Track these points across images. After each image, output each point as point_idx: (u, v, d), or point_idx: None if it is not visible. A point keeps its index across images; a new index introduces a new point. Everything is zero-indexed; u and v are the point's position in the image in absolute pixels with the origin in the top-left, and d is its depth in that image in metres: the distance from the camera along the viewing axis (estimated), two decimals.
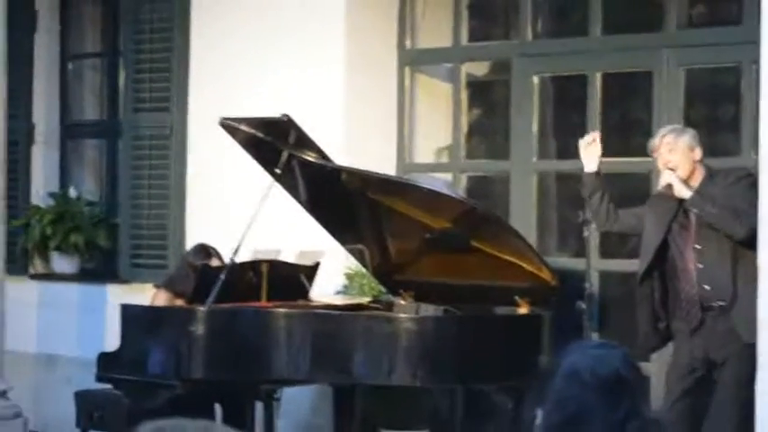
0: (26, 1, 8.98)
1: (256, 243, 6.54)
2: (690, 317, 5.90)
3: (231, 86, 7.96)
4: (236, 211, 6.93)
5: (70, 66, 9.30)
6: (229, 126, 6.60)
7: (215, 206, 7.98)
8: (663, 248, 6.03)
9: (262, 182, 6.52)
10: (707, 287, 5.87)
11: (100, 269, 8.84)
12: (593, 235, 6.57)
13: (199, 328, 6.17)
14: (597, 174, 6.27)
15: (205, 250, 6.86)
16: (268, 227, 6.60)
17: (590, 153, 6.27)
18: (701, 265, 5.88)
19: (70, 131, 9.24)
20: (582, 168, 6.30)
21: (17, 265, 8.60)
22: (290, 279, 6.82)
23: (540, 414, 2.62)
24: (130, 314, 6.48)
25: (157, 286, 7.43)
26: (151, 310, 6.68)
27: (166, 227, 8.32)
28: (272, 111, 6.57)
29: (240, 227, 6.30)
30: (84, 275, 8.81)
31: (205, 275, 6.44)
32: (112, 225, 8.77)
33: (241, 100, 7.73)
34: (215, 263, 6.76)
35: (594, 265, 6.84)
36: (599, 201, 6.21)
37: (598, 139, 6.29)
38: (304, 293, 6.89)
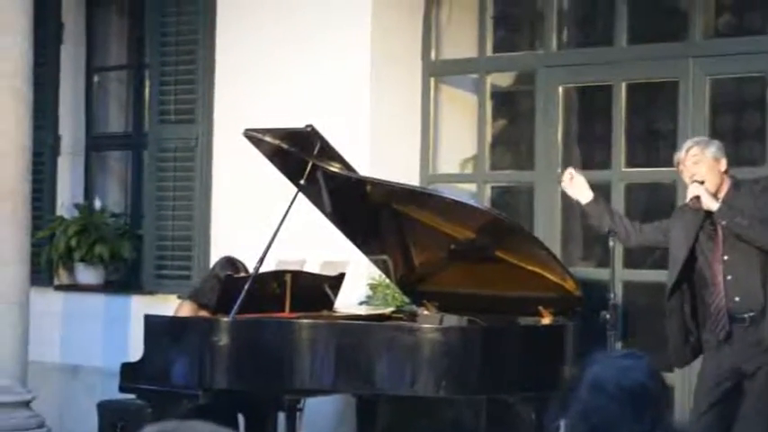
0: (52, 13, 9.02)
1: (281, 253, 6.54)
2: (719, 329, 5.85)
3: (256, 98, 7.97)
4: (260, 222, 6.93)
5: (96, 78, 9.34)
6: (254, 137, 6.61)
7: (240, 217, 7.98)
8: (690, 260, 5.98)
9: (286, 193, 6.52)
10: (737, 298, 5.81)
11: (124, 280, 8.85)
12: (617, 245, 6.54)
13: (222, 339, 6.16)
14: (596, 201, 6.23)
15: (232, 263, 6.86)
16: (293, 237, 6.60)
17: (576, 187, 6.24)
18: (729, 277, 5.82)
19: (96, 143, 9.27)
20: (579, 202, 6.25)
21: (42, 276, 8.63)
22: (314, 290, 6.81)
23: (563, 425, 2.60)
24: (154, 324, 6.49)
25: (181, 297, 7.44)
26: (175, 321, 6.68)
27: (191, 238, 8.33)
28: (296, 122, 6.58)
29: (265, 237, 6.30)
30: (108, 286, 8.82)
31: (229, 286, 6.44)
32: (137, 236, 8.78)
33: (266, 111, 7.74)
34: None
35: (619, 276, 6.81)
36: (611, 222, 6.16)
37: (575, 172, 6.25)
38: (328, 304, 6.88)
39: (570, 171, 6.29)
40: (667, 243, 6.09)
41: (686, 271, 5.97)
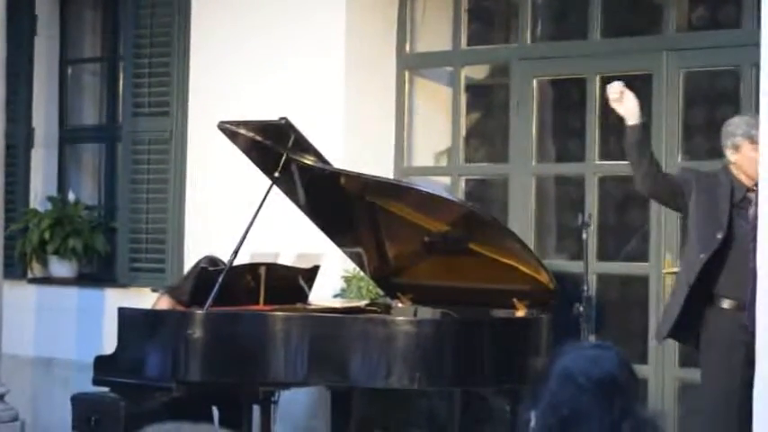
0: (26, 5, 8.98)
1: (255, 246, 6.53)
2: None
3: (231, 90, 7.96)
4: (235, 215, 6.92)
5: (70, 70, 9.30)
6: (228, 130, 6.60)
7: (214, 210, 7.97)
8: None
9: (261, 185, 6.51)
10: None
11: (98, 273, 8.83)
12: (591, 238, 6.55)
13: (196, 332, 6.16)
14: (643, 126, 5.94)
15: (214, 263, 6.84)
16: (267, 230, 6.59)
17: (627, 104, 5.91)
18: None
19: (69, 135, 9.24)
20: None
21: (15, 269, 8.59)
22: (288, 282, 6.81)
23: (534, 416, 2.61)
24: (128, 317, 6.47)
25: (156, 290, 7.42)
26: (148, 314, 6.66)
27: (165, 231, 8.31)
28: (271, 114, 6.57)
29: (239, 230, 6.29)
30: (82, 279, 8.80)
31: (203, 279, 6.43)
32: (111, 229, 8.76)
33: (241, 104, 7.73)
34: None
35: (593, 268, 6.83)
36: (649, 159, 5.92)
37: (626, 89, 5.93)
38: (303, 297, 6.88)
39: (620, 85, 5.98)
40: (672, 200, 5.97)
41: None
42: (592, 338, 6.36)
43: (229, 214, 7.44)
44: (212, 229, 7.78)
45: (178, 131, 8.30)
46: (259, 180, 6.60)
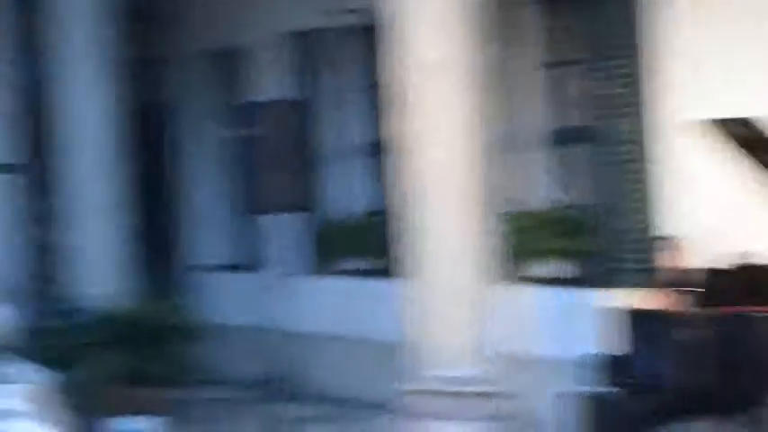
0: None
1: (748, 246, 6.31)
2: None
3: (702, 89, 7.75)
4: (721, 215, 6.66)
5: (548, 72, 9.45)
6: (715, 127, 6.45)
7: (695, 208, 7.79)
8: None
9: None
10: None
11: (582, 273, 8.91)
12: None
13: (698, 334, 6.03)
14: None
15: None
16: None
17: None
18: None
19: (553, 137, 9.40)
20: None
21: (504, 270, 8.82)
22: None
23: None
24: (633, 317, 6.40)
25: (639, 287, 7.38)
26: (651, 314, 6.57)
27: (645, 230, 8.26)
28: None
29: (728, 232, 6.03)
30: (568, 280, 8.89)
31: (713, 280, 6.28)
32: (596, 229, 8.82)
33: (716, 101, 7.50)
34: None
35: None
36: None
37: None
38: None
39: None
40: None
41: None
42: None
43: (714, 213, 7.23)
44: (698, 228, 7.62)
45: (648, 130, 8.22)
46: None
